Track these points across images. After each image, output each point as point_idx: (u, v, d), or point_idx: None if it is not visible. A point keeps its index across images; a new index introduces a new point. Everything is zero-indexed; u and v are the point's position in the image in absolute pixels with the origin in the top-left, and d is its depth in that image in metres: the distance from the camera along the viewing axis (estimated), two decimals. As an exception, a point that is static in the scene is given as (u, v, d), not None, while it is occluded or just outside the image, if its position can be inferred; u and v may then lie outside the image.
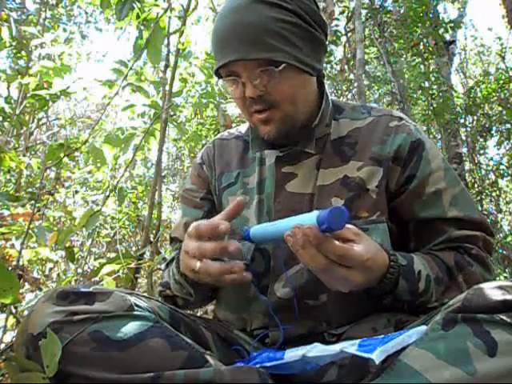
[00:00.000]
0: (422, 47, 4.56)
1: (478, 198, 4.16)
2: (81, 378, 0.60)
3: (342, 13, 4.47)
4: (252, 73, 0.77)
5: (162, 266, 0.99)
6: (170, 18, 2.18)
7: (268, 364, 0.65)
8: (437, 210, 0.82)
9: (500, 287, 0.55)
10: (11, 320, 1.35)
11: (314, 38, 0.81)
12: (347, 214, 0.62)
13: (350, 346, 0.59)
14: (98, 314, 0.63)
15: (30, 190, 2.99)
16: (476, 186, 4.47)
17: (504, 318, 0.51)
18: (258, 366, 0.65)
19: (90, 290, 0.67)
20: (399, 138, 0.84)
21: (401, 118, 0.89)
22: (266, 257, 0.84)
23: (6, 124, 2.75)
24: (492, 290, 0.55)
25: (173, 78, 2.24)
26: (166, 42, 2.20)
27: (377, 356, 0.53)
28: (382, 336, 0.61)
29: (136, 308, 0.66)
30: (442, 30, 4.48)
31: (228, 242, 0.71)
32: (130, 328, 0.63)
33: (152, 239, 2.07)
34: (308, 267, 0.65)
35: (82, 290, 0.67)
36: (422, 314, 0.76)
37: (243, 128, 1.01)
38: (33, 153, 4.05)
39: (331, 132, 0.88)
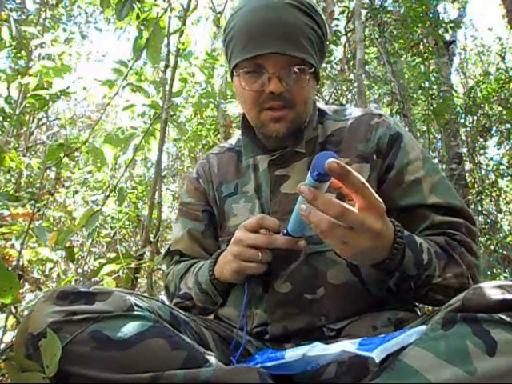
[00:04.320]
0: (422, 47, 4.56)
1: (478, 198, 4.16)
2: (81, 377, 0.60)
3: (342, 13, 4.47)
4: (283, 69, 0.81)
5: (170, 277, 0.99)
6: (170, 17, 2.19)
7: (268, 364, 0.65)
8: (417, 197, 0.83)
9: (499, 287, 0.55)
10: (11, 320, 1.35)
11: (325, 50, 0.89)
12: (336, 156, 0.60)
13: (351, 345, 0.59)
14: (98, 313, 0.63)
15: (29, 189, 2.99)
16: (476, 186, 4.47)
17: (503, 317, 0.51)
18: (258, 365, 0.65)
19: (90, 289, 0.67)
20: (379, 133, 0.88)
21: (380, 115, 0.92)
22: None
23: (6, 124, 2.75)
24: (491, 290, 0.55)
25: (173, 78, 2.24)
26: (166, 41, 2.20)
27: (377, 355, 0.53)
28: (383, 335, 0.61)
29: (136, 308, 0.66)
30: (441, 30, 4.48)
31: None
32: (130, 328, 0.63)
33: (152, 239, 2.08)
34: (317, 232, 0.63)
35: (82, 289, 0.67)
36: (426, 297, 0.76)
37: (233, 140, 1.05)
38: (33, 153, 4.05)
39: (319, 135, 0.93)
